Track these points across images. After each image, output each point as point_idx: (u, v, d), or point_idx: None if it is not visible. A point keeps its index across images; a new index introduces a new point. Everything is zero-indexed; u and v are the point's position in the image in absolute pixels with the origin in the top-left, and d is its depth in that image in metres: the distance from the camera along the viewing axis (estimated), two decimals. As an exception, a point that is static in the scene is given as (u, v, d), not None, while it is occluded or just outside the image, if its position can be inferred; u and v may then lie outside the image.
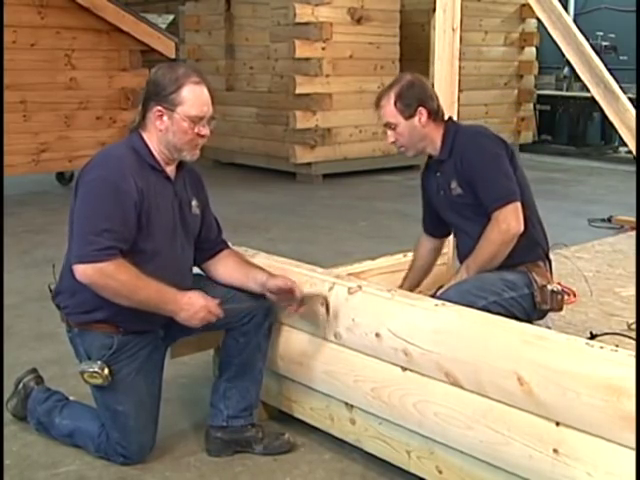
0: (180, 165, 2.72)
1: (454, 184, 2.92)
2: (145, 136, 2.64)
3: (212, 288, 2.78)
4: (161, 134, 2.60)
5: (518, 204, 2.82)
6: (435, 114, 2.97)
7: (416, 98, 2.93)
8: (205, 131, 2.61)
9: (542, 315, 2.93)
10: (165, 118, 2.58)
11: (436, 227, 3.21)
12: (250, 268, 2.79)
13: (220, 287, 2.78)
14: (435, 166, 3.04)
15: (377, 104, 2.98)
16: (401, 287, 3.11)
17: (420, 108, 2.92)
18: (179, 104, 2.55)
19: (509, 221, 2.79)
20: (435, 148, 2.99)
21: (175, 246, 2.68)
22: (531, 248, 2.93)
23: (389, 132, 2.97)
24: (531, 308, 2.87)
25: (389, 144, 3.03)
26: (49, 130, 7.44)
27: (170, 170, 2.68)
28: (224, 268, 2.82)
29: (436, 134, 2.97)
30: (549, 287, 2.89)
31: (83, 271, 2.48)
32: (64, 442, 2.81)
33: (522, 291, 2.86)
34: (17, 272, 4.93)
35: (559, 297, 2.91)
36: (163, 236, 2.63)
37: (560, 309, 2.97)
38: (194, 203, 2.77)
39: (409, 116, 2.92)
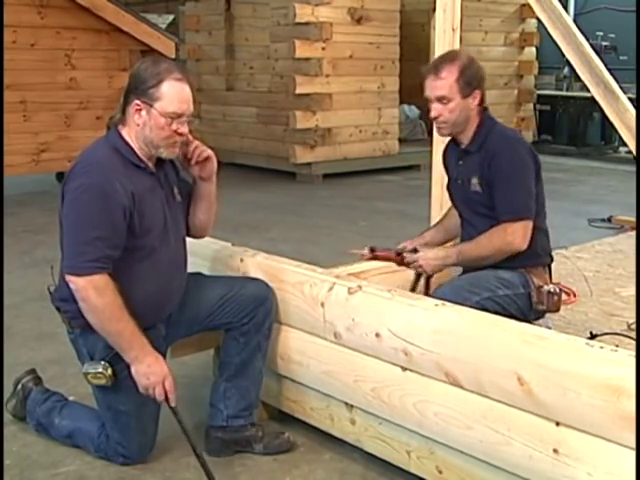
0: (159, 158, 2.69)
1: (475, 180, 2.89)
2: (125, 132, 2.60)
3: (210, 288, 2.78)
4: (138, 129, 2.57)
5: (530, 223, 2.81)
6: (483, 100, 2.90)
7: (477, 78, 2.85)
8: (183, 129, 2.57)
9: (539, 316, 2.92)
10: (143, 113, 2.54)
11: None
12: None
13: (219, 288, 2.77)
14: (458, 154, 2.98)
15: (435, 73, 2.82)
16: (421, 235, 3.23)
17: (477, 90, 2.85)
18: (157, 99, 2.51)
19: (516, 236, 2.79)
20: (467, 136, 2.92)
21: (168, 239, 2.68)
22: (533, 258, 2.93)
23: (436, 105, 2.84)
24: (527, 307, 2.87)
25: (431, 117, 2.89)
26: (49, 130, 7.45)
27: (152, 164, 2.66)
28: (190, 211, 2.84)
29: (474, 122, 2.90)
30: (546, 288, 2.88)
31: (75, 281, 2.48)
32: (64, 442, 2.81)
33: (517, 290, 2.85)
34: (17, 272, 4.94)
35: (555, 298, 2.89)
36: (157, 231, 2.63)
37: (557, 310, 2.95)
38: (175, 190, 2.76)
39: (466, 95, 2.83)
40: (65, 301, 2.66)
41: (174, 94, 2.52)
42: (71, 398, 3.00)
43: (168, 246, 2.67)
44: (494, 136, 2.88)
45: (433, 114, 2.87)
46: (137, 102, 2.54)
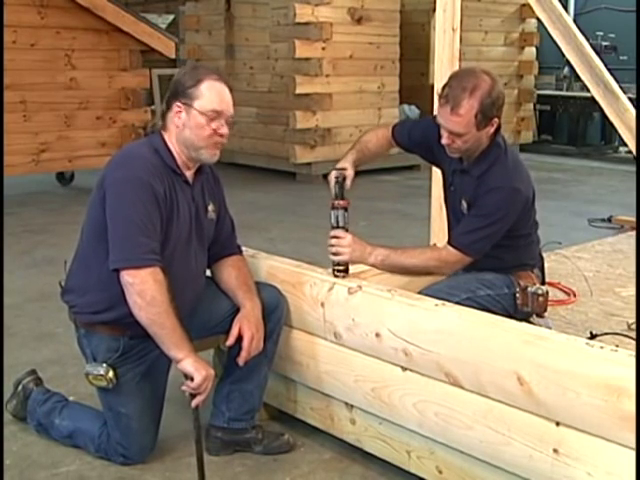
0: (199, 170, 2.68)
1: (464, 203, 2.89)
2: (166, 137, 2.60)
3: (223, 296, 2.75)
4: (178, 131, 2.56)
5: (466, 261, 2.80)
6: (500, 125, 2.77)
7: (496, 107, 2.68)
8: (224, 130, 2.55)
9: (525, 317, 2.89)
10: (183, 114, 2.54)
11: (408, 144, 3.15)
12: (239, 292, 2.70)
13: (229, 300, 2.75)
14: (459, 166, 2.90)
15: (452, 108, 2.64)
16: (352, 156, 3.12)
17: (495, 119, 2.71)
18: (196, 98, 2.52)
19: (447, 263, 2.81)
20: (472, 157, 2.82)
21: (190, 253, 2.65)
22: (520, 266, 2.96)
23: (448, 134, 2.72)
24: (512, 308, 2.87)
25: (442, 143, 2.77)
26: (49, 130, 7.44)
27: (189, 174, 2.64)
28: (226, 277, 2.77)
29: (483, 145, 2.78)
30: (530, 289, 2.88)
31: (134, 274, 2.42)
32: (64, 443, 2.81)
33: (501, 290, 2.85)
34: (17, 272, 4.93)
35: (541, 299, 2.88)
36: (178, 243, 2.60)
37: (543, 311, 2.93)
38: (210, 208, 2.73)
39: (483, 127, 2.70)
40: (72, 292, 2.66)
41: (213, 93, 2.53)
42: (71, 398, 3.00)
43: (188, 259, 2.64)
44: (496, 174, 2.78)
45: (445, 142, 2.76)
46: (177, 104, 2.55)
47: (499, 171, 2.79)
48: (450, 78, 2.78)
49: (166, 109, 2.60)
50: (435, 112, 3.52)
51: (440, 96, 2.73)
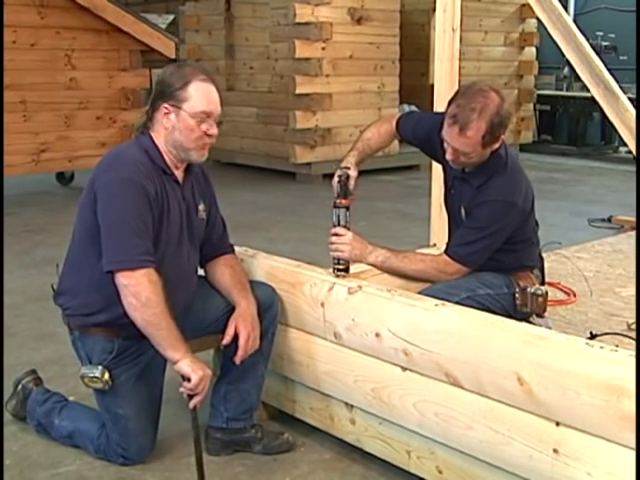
0: (188, 169, 2.68)
1: (462, 210, 2.91)
2: (154, 137, 2.59)
3: (216, 295, 2.75)
4: (167, 133, 2.56)
5: (466, 270, 2.84)
6: (504, 141, 2.79)
7: (503, 126, 2.72)
8: (213, 130, 2.54)
9: (524, 317, 2.89)
10: (172, 116, 2.53)
11: (411, 140, 3.15)
12: (233, 290, 2.69)
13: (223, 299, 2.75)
14: (460, 173, 2.91)
15: (460, 129, 2.66)
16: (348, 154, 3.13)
17: (501, 137, 2.75)
18: (185, 100, 2.50)
19: (447, 274, 2.83)
20: (473, 167, 2.84)
21: (182, 253, 2.65)
22: (519, 268, 2.97)
23: (452, 151, 2.75)
24: (512, 308, 2.88)
25: (446, 158, 2.80)
26: (49, 130, 7.44)
27: (179, 174, 2.64)
28: (219, 276, 2.76)
29: (485, 159, 2.80)
30: (529, 289, 2.89)
31: (129, 276, 2.41)
32: (64, 443, 2.81)
33: (500, 290, 2.86)
34: (17, 272, 4.93)
35: (540, 300, 2.89)
36: (170, 242, 2.59)
37: (542, 312, 2.94)
38: (201, 207, 2.73)
39: (489, 146, 2.73)
40: (64, 294, 2.65)
41: (202, 94, 2.52)
42: (71, 398, 3.00)
43: (180, 259, 2.64)
44: (493, 186, 2.80)
45: (449, 158, 2.78)
46: (165, 106, 2.53)
47: (497, 184, 2.81)
48: (458, 95, 2.77)
49: (152, 109, 2.59)
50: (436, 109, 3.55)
51: (447, 114, 2.72)
